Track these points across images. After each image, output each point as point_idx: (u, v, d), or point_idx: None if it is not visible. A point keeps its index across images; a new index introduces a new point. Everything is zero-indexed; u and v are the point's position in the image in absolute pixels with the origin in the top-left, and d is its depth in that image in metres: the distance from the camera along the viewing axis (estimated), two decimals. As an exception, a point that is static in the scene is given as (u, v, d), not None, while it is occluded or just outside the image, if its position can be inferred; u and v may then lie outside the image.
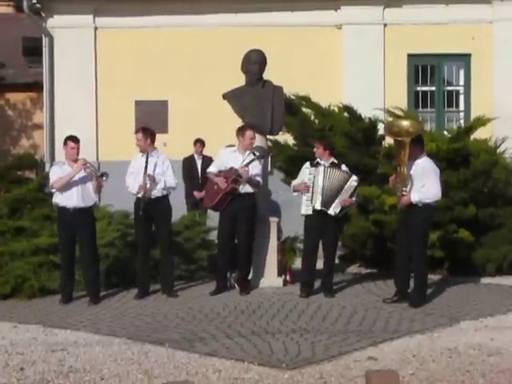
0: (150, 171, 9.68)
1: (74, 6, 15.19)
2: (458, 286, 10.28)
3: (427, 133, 11.46)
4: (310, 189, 9.59)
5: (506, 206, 11.17)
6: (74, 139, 9.60)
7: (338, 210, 9.58)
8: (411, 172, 9.01)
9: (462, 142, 11.18)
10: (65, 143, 9.62)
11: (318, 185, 9.59)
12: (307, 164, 9.85)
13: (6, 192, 10.85)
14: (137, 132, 10.00)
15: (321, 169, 9.64)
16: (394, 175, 9.23)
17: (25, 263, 9.94)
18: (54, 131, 15.48)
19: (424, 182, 9.01)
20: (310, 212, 9.61)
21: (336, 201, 9.55)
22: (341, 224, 10.21)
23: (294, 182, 9.91)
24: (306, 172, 9.78)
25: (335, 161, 9.77)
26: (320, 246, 9.80)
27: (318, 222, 9.60)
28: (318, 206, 9.56)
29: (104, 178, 9.43)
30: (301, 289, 9.68)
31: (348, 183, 9.61)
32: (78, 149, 9.57)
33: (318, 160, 9.73)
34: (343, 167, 9.75)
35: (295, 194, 9.84)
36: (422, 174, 9.02)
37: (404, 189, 9.03)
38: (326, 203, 9.55)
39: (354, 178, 9.67)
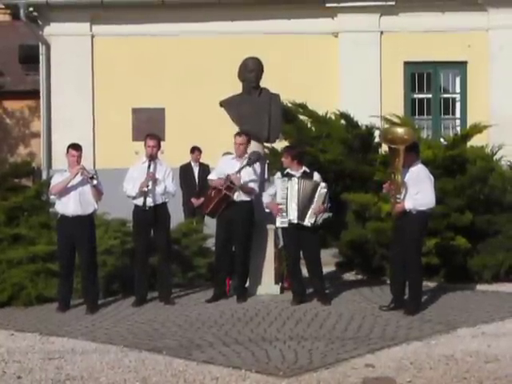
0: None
1: (71, 14, 15.23)
2: (455, 293, 10.26)
3: (424, 140, 11.48)
4: (284, 200, 9.52)
5: (503, 212, 11.17)
6: (75, 147, 9.53)
7: (313, 219, 9.51)
8: (406, 179, 9.02)
9: (459, 149, 11.18)
10: (67, 151, 9.56)
11: (292, 197, 9.53)
12: (278, 174, 9.81)
13: (2, 200, 10.82)
14: (151, 138, 9.81)
15: (294, 180, 9.58)
16: (388, 182, 9.25)
17: (22, 271, 9.93)
18: (51, 139, 15.50)
19: (418, 190, 8.99)
20: (285, 225, 9.58)
21: (309, 211, 9.50)
22: (319, 232, 10.01)
23: (269, 193, 9.78)
24: (278, 183, 9.70)
25: (307, 170, 9.73)
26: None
27: (295, 234, 9.56)
28: (294, 220, 9.52)
29: (94, 182, 9.36)
30: (292, 297, 9.68)
31: (318, 192, 9.54)
32: (80, 157, 9.48)
33: (289, 171, 9.69)
34: (315, 175, 9.69)
35: (267, 210, 9.79)
36: (417, 182, 9.02)
37: (398, 196, 9.04)
38: (301, 215, 9.50)
39: (323, 184, 9.60)
